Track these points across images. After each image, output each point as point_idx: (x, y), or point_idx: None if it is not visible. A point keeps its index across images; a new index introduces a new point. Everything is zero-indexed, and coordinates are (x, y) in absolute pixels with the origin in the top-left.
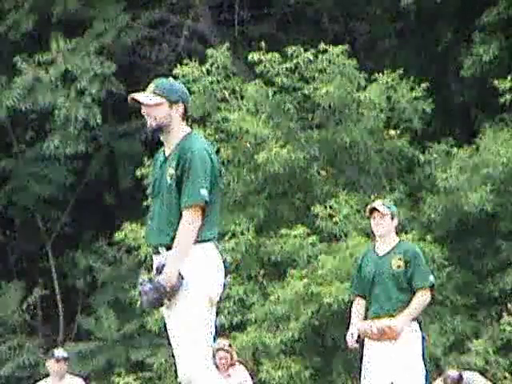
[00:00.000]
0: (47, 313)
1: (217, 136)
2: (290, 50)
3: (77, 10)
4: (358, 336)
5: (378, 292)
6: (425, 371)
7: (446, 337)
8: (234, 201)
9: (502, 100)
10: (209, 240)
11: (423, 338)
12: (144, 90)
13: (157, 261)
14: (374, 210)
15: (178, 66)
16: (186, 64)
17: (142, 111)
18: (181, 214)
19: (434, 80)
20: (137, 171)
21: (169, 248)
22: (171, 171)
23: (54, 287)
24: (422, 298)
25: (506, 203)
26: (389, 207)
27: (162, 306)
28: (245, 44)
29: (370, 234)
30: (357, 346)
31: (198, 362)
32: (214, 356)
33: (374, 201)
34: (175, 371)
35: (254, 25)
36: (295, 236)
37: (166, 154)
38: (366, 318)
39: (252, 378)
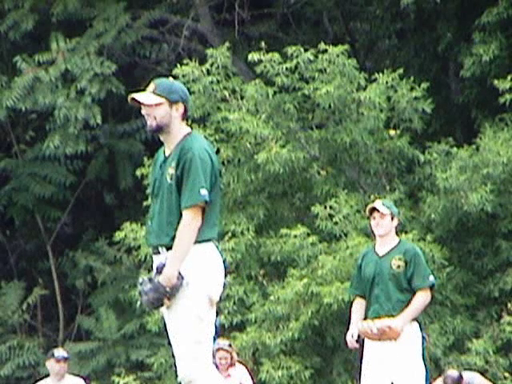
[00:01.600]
0: (47, 313)
1: (217, 136)
2: (290, 50)
3: (77, 10)
4: (358, 336)
5: (377, 292)
6: (425, 371)
7: (446, 337)
8: (234, 201)
9: (502, 100)
10: (209, 240)
11: (423, 337)
12: (144, 90)
13: (157, 261)
14: (373, 210)
15: (178, 66)
16: (186, 64)
17: (142, 111)
18: (181, 214)
19: (434, 80)
20: (137, 171)
21: (169, 248)
22: (171, 171)
23: (54, 287)
24: (422, 299)
25: (506, 203)
26: (389, 207)
27: (161, 306)
28: (245, 44)
29: (370, 234)
30: (357, 346)
31: (198, 362)
32: (213, 356)
33: (374, 201)
34: (175, 371)
35: (254, 25)
36: (295, 236)
37: (166, 154)
38: (365, 318)
39: (252, 378)
